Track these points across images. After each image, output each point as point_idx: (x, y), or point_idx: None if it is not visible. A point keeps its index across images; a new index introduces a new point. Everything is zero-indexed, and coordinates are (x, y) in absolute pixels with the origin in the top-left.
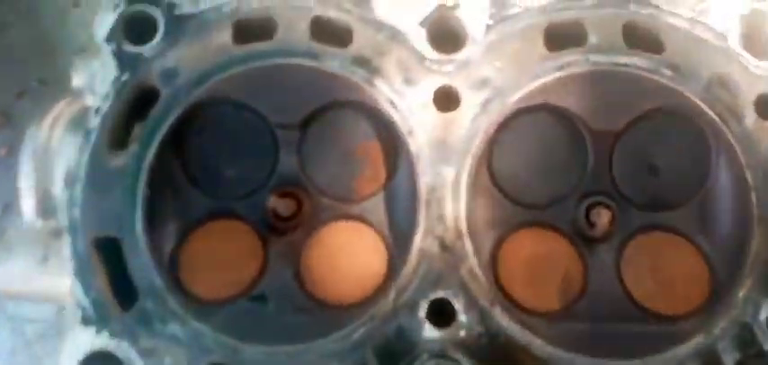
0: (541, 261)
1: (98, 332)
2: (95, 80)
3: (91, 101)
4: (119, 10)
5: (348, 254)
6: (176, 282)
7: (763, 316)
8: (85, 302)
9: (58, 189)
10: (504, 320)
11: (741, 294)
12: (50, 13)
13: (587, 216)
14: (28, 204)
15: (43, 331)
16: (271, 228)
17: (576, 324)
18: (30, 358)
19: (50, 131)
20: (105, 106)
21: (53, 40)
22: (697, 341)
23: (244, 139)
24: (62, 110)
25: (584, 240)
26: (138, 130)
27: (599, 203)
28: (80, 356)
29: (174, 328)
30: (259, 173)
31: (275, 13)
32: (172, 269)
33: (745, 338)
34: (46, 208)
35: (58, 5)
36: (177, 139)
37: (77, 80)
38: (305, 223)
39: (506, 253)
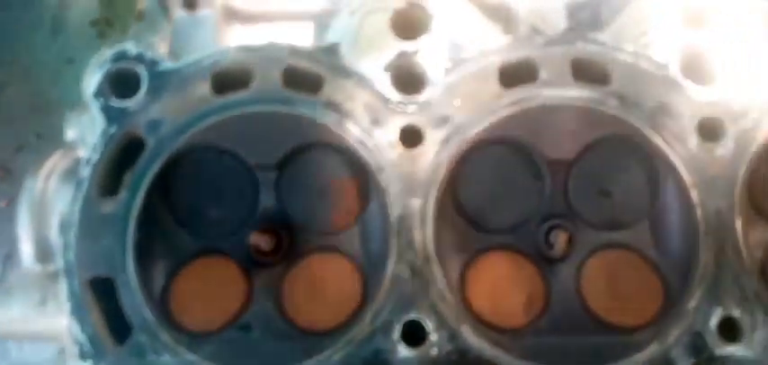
0: (506, 281)
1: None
2: (86, 133)
3: (83, 152)
4: (105, 67)
5: (325, 284)
6: (167, 316)
7: (712, 323)
8: (82, 338)
9: (54, 235)
10: (472, 338)
11: (692, 304)
12: (45, 71)
13: (547, 238)
14: (26, 250)
15: None
16: (254, 263)
17: (540, 339)
18: None
19: (46, 182)
20: (95, 157)
21: (49, 96)
22: (652, 349)
23: (226, 181)
24: (57, 162)
25: (545, 260)
26: (127, 178)
27: (557, 226)
28: None
29: (166, 359)
30: (241, 212)
31: (250, 64)
32: (163, 304)
33: (697, 344)
34: (44, 253)
35: (53, 64)
36: (164, 184)
37: (71, 133)
38: (285, 256)
39: (474, 276)
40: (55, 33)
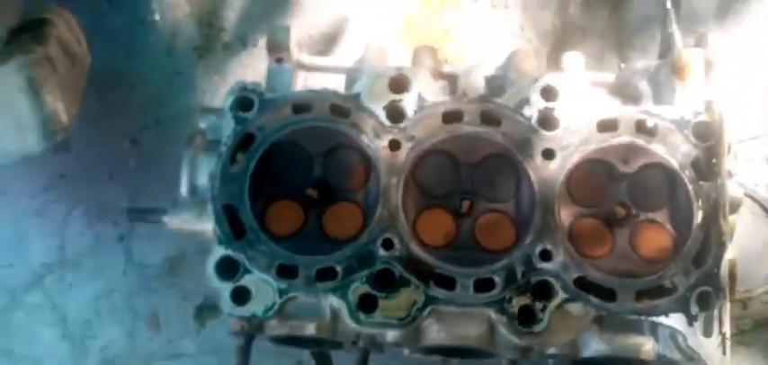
0: (436, 223)
1: (226, 248)
2: (220, 128)
3: (211, 136)
4: (235, 93)
5: (345, 217)
6: (263, 226)
7: (536, 252)
8: (220, 234)
9: (201, 182)
10: (416, 249)
11: (528, 241)
12: (162, 78)
13: (460, 204)
14: (184, 188)
15: (156, 273)
16: (308, 204)
17: (450, 252)
18: (147, 291)
19: (194, 152)
20: (229, 142)
21: (164, 95)
22: (504, 262)
23: (297, 160)
24: (198, 142)
25: (458, 215)
26: (242, 156)
27: (465, 198)
28: (217, 258)
29: (263, 247)
30: (304, 176)
31: (312, 100)
32: (262, 220)
33: (527, 262)
34: (193, 191)
35: (167, 74)
36: (264, 159)
37: (202, 124)
38: (325, 202)
39: (420, 219)
40: (168, 54)
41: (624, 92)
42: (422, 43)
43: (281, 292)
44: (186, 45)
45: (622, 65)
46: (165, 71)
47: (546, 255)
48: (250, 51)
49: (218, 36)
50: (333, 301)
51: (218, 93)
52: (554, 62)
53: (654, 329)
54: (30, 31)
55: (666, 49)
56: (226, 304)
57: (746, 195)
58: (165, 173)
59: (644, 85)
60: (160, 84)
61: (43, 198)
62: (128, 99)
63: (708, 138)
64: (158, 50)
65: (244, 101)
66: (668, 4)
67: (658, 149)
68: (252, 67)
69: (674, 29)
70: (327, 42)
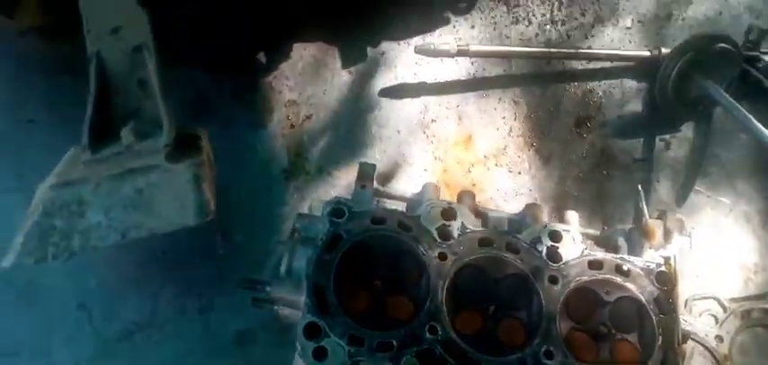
0: (470, 319)
1: (312, 315)
2: (311, 228)
3: (305, 234)
4: (332, 205)
5: (401, 306)
6: (341, 303)
7: (542, 351)
8: (310, 305)
9: (295, 265)
10: (453, 336)
11: (536, 342)
12: (253, 188)
13: (487, 308)
14: (283, 268)
15: (227, 342)
16: (375, 292)
17: (479, 342)
18: (218, 356)
19: (293, 244)
20: (323, 238)
21: (254, 202)
22: (518, 356)
23: (370, 258)
24: (296, 236)
25: (486, 315)
26: (330, 250)
27: (491, 304)
28: (306, 322)
29: (340, 319)
30: (374, 272)
31: (386, 216)
32: (340, 299)
33: (535, 357)
34: (289, 271)
35: (258, 186)
36: (347, 254)
37: (298, 225)
38: (387, 293)
39: (459, 315)
40: (262, 171)
41: (607, 244)
42: (455, 189)
43: (350, 355)
44: (277, 167)
45: (605, 227)
46: (257, 184)
47: (549, 355)
48: (325, 179)
49: (302, 164)
50: None
51: (297, 207)
52: (554, 217)
53: None
54: (188, 142)
55: (638, 218)
56: (307, 358)
57: (697, 341)
58: (246, 264)
59: (621, 241)
60: (252, 193)
61: (145, 269)
62: (224, 201)
63: (666, 284)
64: (254, 167)
65: (338, 211)
66: (639, 189)
67: (631, 287)
68: (325, 191)
69: (644, 205)
70: (384, 179)
